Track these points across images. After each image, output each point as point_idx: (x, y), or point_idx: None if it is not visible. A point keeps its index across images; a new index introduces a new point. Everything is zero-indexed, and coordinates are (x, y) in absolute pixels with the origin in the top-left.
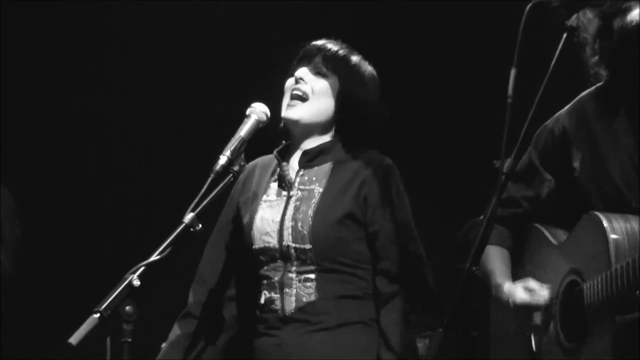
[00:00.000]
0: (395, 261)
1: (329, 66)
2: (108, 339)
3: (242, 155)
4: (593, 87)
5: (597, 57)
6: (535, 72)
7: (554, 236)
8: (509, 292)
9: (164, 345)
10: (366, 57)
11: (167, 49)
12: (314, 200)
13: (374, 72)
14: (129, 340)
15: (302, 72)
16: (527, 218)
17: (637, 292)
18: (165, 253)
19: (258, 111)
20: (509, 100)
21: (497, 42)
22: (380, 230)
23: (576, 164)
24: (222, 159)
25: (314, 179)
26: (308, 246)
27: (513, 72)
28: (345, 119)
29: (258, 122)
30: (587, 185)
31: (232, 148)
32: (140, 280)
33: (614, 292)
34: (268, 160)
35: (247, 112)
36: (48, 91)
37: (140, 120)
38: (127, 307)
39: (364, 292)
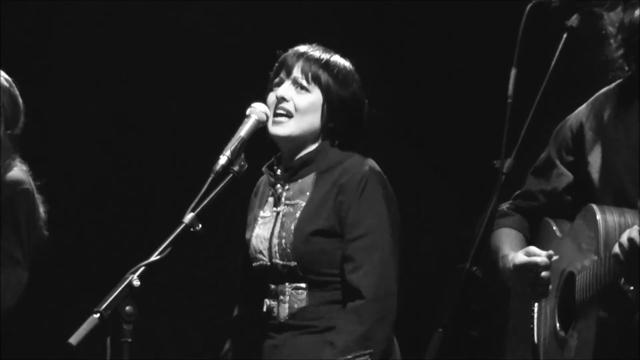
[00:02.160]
0: (358, 269)
1: (309, 77)
2: (108, 339)
3: (242, 155)
4: (613, 84)
5: (622, 51)
6: (535, 72)
7: (560, 229)
8: (511, 258)
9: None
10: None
11: (167, 49)
12: (296, 215)
13: (353, 69)
14: (129, 340)
15: (283, 90)
16: (543, 211)
17: (621, 280)
18: (165, 253)
19: (258, 111)
20: (509, 100)
21: (497, 42)
22: (348, 235)
23: (589, 159)
24: (222, 159)
25: (298, 192)
26: (294, 263)
27: (513, 72)
28: (336, 125)
29: (258, 122)
30: (598, 180)
31: (232, 148)
32: (140, 281)
33: (599, 282)
34: None
35: (247, 112)
36: (47, 91)
37: (139, 120)
38: (127, 307)
39: None
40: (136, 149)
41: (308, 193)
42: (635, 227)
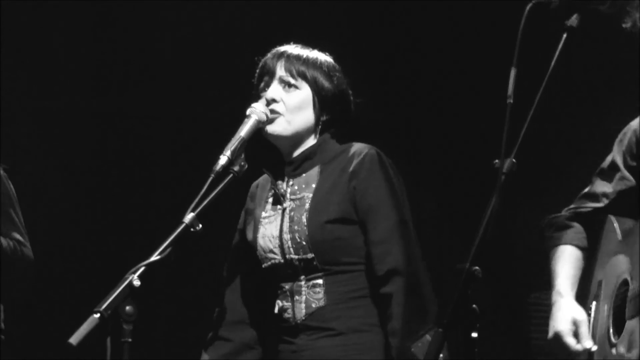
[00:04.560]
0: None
1: (295, 74)
2: (108, 339)
3: (242, 156)
4: None
5: None
6: (535, 72)
7: (622, 230)
8: (559, 312)
9: None
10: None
11: (167, 49)
12: (305, 207)
13: (332, 59)
14: (129, 340)
15: (272, 92)
16: (604, 213)
17: None
18: (165, 253)
19: (258, 111)
20: (509, 101)
21: (497, 42)
22: (369, 217)
23: None
24: (222, 159)
25: (303, 186)
26: (310, 255)
27: (513, 72)
28: (330, 117)
29: (258, 122)
30: None
31: (232, 148)
32: (140, 281)
33: None
34: (267, 178)
35: (247, 112)
36: (46, 91)
37: (140, 120)
38: (127, 307)
39: (370, 289)
40: (136, 149)
41: (314, 185)
42: None
